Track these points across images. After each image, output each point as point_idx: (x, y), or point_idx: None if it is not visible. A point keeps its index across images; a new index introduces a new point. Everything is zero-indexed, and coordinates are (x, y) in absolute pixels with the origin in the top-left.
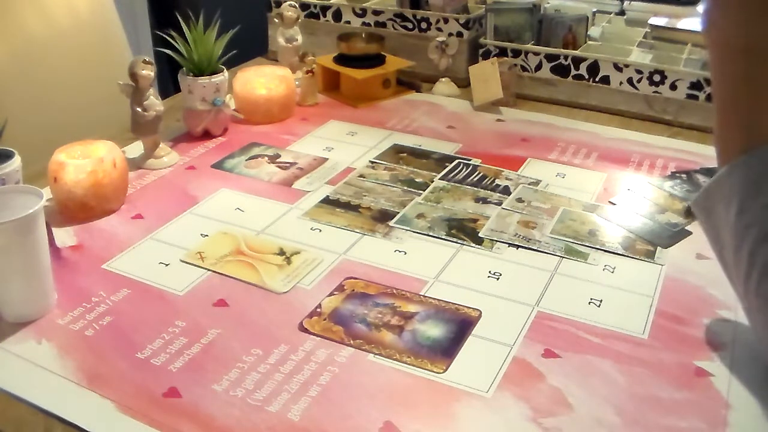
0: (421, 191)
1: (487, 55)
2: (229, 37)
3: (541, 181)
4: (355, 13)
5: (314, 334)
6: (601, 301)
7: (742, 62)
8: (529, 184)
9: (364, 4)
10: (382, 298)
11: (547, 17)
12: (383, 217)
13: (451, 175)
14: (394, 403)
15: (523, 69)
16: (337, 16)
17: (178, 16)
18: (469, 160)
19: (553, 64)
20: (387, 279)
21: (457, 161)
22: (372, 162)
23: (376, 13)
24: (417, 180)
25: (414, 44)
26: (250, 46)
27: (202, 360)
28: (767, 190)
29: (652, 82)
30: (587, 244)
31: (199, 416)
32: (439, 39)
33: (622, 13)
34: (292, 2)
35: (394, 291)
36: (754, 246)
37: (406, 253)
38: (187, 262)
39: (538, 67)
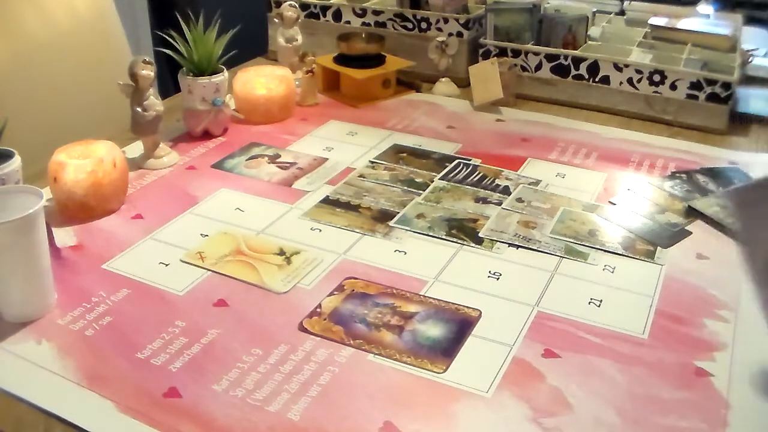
0: (421, 191)
1: (487, 55)
2: (229, 37)
3: (541, 181)
4: (355, 13)
5: (314, 334)
6: (601, 301)
7: None
8: (529, 184)
9: (364, 4)
10: (382, 298)
11: (547, 17)
12: (383, 217)
13: (451, 175)
14: (393, 403)
15: (523, 69)
16: (337, 16)
17: (178, 16)
18: (469, 160)
19: (553, 64)
20: (387, 279)
21: (457, 161)
22: (372, 162)
23: (376, 13)
24: (417, 180)
25: (414, 44)
26: (250, 46)
27: (202, 360)
28: None
29: (652, 82)
30: (587, 244)
31: (199, 416)
32: (439, 39)
33: (622, 13)
34: (292, 2)
35: (394, 291)
36: None
37: (406, 253)
38: (187, 262)
39: (538, 67)
